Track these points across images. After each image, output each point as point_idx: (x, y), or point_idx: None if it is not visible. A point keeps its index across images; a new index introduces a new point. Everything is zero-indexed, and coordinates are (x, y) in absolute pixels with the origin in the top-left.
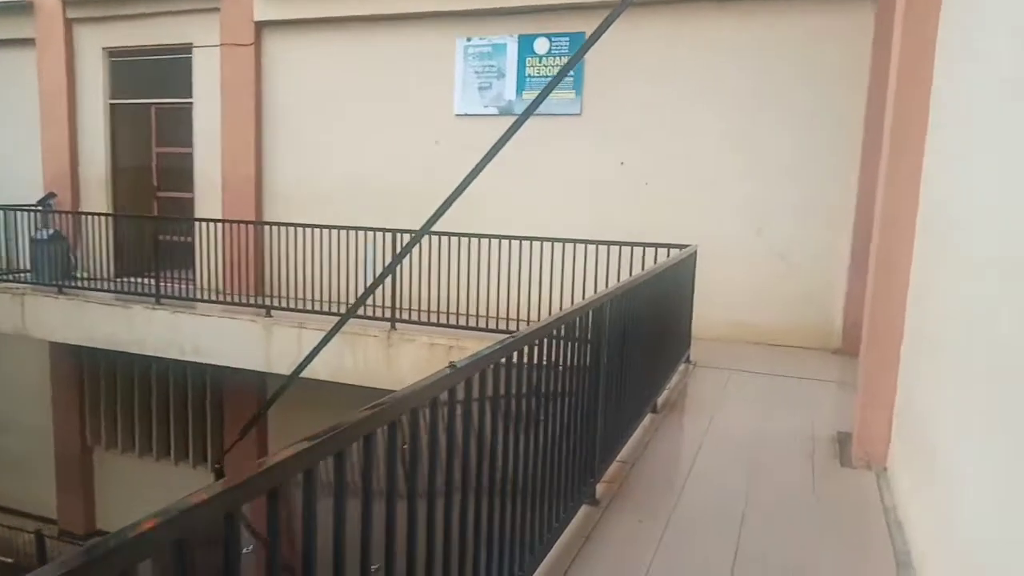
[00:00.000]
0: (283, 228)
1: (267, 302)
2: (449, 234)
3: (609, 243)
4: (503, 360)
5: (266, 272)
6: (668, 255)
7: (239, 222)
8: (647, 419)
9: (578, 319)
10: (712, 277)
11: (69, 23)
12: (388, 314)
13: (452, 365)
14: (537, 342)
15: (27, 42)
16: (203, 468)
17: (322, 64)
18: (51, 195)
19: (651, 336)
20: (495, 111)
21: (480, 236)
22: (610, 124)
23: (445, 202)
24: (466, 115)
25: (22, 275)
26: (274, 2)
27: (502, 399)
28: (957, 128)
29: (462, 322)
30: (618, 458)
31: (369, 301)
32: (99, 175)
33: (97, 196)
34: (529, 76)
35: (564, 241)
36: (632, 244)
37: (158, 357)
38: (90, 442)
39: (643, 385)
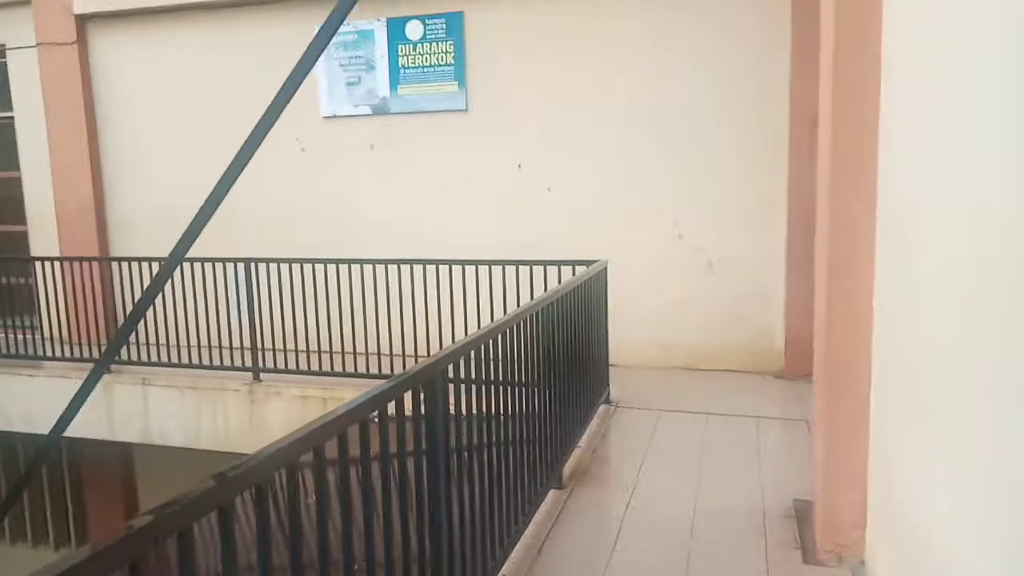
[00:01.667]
0: (127, 264)
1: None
2: (312, 261)
3: (504, 263)
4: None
5: (118, 318)
6: (573, 273)
7: (65, 259)
8: (548, 498)
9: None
10: (631, 294)
11: None
12: (249, 362)
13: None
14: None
15: None
16: (66, 549)
17: (162, 65)
18: None
19: (552, 379)
20: (368, 110)
21: (351, 262)
22: (503, 121)
23: (192, 225)
24: (335, 116)
25: None
26: None
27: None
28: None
29: (337, 366)
30: (502, 570)
31: (226, 345)
32: None
33: None
34: (403, 67)
35: (450, 263)
36: (531, 263)
37: None
38: None
39: (538, 452)
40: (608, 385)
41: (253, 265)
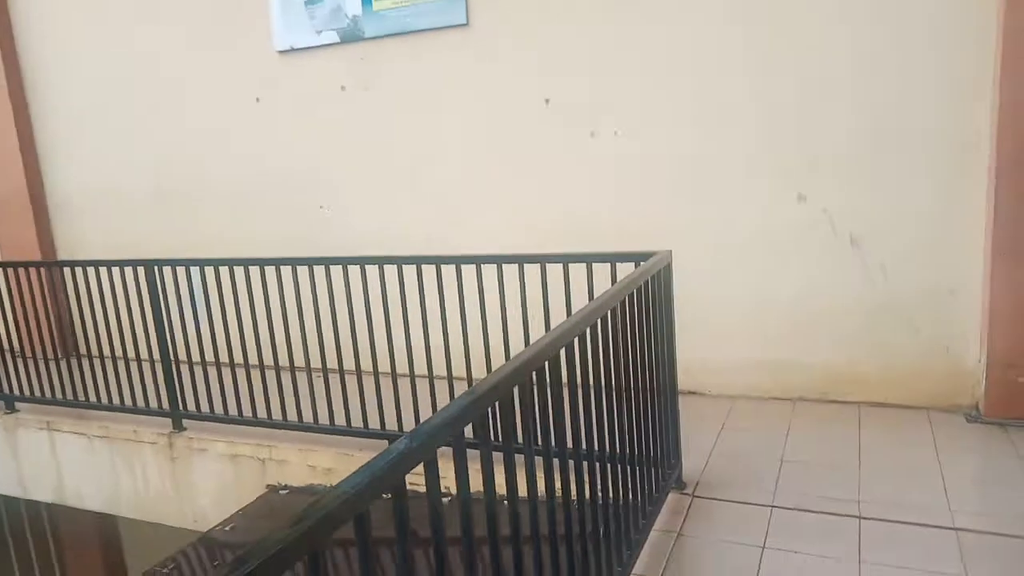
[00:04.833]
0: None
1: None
2: (228, 263)
3: (500, 260)
4: None
5: (76, 324)
6: (613, 270)
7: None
8: None
9: None
10: (713, 292)
11: None
12: (167, 404)
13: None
14: None
15: None
16: None
17: (98, 10)
18: None
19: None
20: (336, 37)
21: (271, 263)
22: (522, 37)
23: None
24: (292, 50)
25: None
26: None
27: None
28: None
29: (275, 410)
30: None
31: (138, 383)
32: None
33: None
34: None
35: (419, 261)
36: (545, 259)
37: None
38: None
39: None
40: (679, 455)
41: (156, 268)
